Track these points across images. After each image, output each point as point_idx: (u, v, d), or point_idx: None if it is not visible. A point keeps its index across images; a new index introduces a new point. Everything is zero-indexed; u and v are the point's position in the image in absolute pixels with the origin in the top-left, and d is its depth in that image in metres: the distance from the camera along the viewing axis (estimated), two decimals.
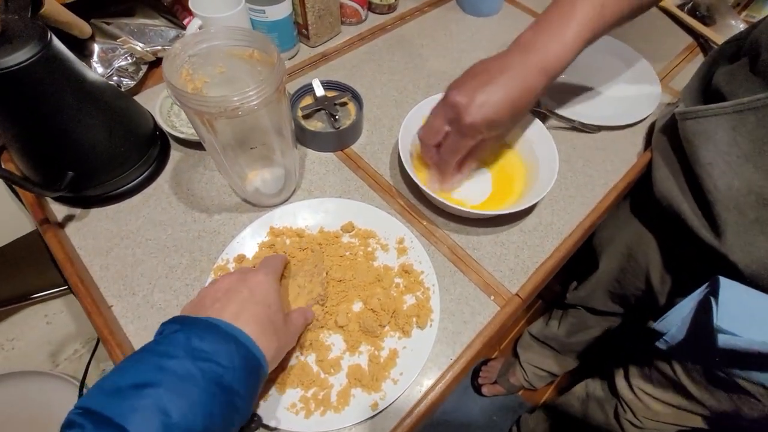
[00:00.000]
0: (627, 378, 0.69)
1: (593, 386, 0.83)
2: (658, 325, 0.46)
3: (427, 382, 0.38)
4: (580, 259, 0.79)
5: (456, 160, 0.45)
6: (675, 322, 0.44)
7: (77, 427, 0.22)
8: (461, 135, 0.41)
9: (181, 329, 0.27)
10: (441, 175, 0.48)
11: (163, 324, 0.29)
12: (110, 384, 0.25)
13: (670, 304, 0.62)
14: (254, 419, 0.31)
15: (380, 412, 0.35)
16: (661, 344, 0.48)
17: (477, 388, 1.17)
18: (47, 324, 0.98)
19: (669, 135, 0.52)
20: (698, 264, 0.54)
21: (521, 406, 1.16)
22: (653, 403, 0.65)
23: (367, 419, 0.35)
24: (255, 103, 0.34)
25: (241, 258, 0.43)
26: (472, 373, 1.20)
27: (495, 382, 1.16)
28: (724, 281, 0.38)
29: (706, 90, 0.51)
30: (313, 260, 0.42)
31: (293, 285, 0.40)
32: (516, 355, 1.12)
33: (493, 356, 1.24)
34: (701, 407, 0.57)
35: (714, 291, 0.39)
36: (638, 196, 0.63)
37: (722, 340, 0.36)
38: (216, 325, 0.27)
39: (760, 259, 0.41)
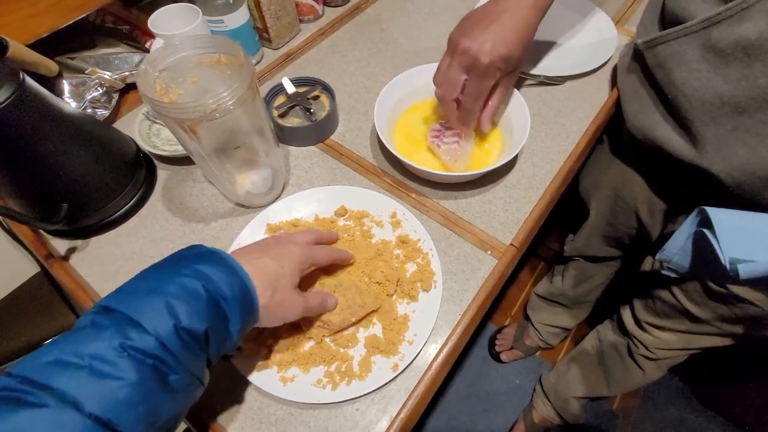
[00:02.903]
0: (634, 316, 0.72)
1: (603, 331, 0.86)
2: (660, 255, 0.48)
3: (441, 339, 0.40)
4: (573, 212, 0.81)
5: (480, 104, 0.46)
6: (674, 251, 0.45)
7: (95, 326, 0.25)
8: (482, 77, 0.43)
9: (195, 256, 0.30)
10: (466, 126, 0.49)
11: (180, 250, 0.32)
12: (129, 288, 0.28)
13: (662, 235, 0.65)
14: (239, 350, 0.37)
15: (401, 372, 0.37)
16: (667, 272, 0.49)
17: (495, 356, 1.20)
18: None
19: (635, 70, 0.53)
20: (681, 187, 0.56)
21: (541, 365, 1.19)
22: (662, 333, 0.68)
23: (391, 381, 0.37)
24: (230, 103, 0.35)
25: None
26: (489, 343, 1.23)
27: (512, 348, 1.19)
28: (711, 212, 0.39)
29: (663, 20, 0.52)
30: (361, 299, 0.40)
31: (336, 286, 0.41)
32: (527, 317, 1.15)
33: (506, 323, 1.27)
34: (706, 326, 0.60)
35: (706, 222, 0.40)
36: (614, 136, 0.65)
37: (743, 270, 0.36)
38: (223, 259, 0.30)
39: (740, 167, 0.43)
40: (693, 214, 0.42)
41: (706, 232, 0.39)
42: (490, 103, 0.48)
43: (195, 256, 0.30)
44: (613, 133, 0.64)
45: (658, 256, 0.48)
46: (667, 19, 0.48)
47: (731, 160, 0.43)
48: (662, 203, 0.58)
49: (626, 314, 0.74)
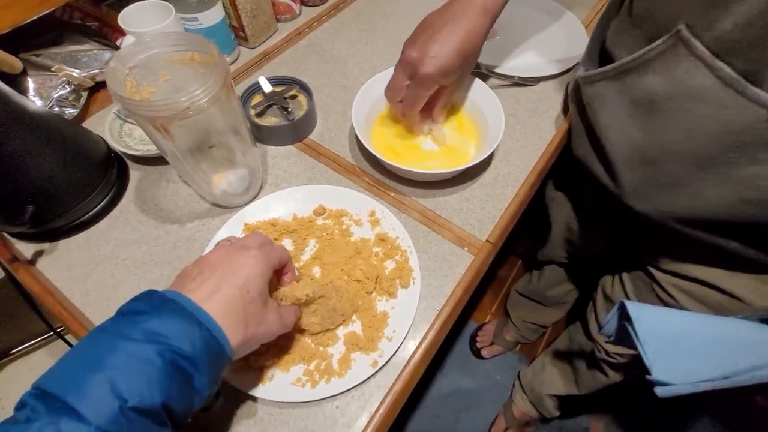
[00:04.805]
0: (597, 321, 0.73)
1: (574, 333, 0.87)
2: (601, 332, 0.47)
3: (419, 335, 0.40)
4: (542, 220, 0.83)
5: (417, 110, 0.48)
6: (610, 332, 0.44)
7: (30, 410, 0.22)
8: (419, 86, 0.45)
9: (144, 311, 0.26)
10: (410, 126, 0.52)
11: (132, 300, 0.28)
12: (67, 365, 0.24)
13: (620, 251, 0.64)
14: (217, 397, 0.32)
15: (381, 368, 0.38)
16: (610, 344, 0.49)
17: (477, 353, 1.22)
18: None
19: (576, 101, 0.53)
20: (618, 213, 0.56)
21: (521, 361, 1.21)
22: None
23: (370, 377, 0.37)
24: (204, 101, 0.35)
25: None
26: (470, 339, 1.25)
27: (492, 343, 1.21)
28: (632, 310, 0.37)
29: (602, 51, 0.51)
30: (341, 305, 0.39)
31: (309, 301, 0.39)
32: (507, 314, 1.17)
33: (487, 320, 1.29)
34: None
35: (626, 317, 0.38)
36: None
37: (660, 391, 0.36)
38: (182, 308, 0.27)
39: (659, 209, 0.44)
40: (615, 307, 0.40)
41: (629, 326, 0.38)
42: (437, 103, 0.50)
43: (147, 309, 0.26)
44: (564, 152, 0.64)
45: (600, 332, 0.47)
46: (605, 50, 0.47)
47: (649, 203, 0.44)
48: (607, 220, 0.59)
49: (591, 318, 0.75)
